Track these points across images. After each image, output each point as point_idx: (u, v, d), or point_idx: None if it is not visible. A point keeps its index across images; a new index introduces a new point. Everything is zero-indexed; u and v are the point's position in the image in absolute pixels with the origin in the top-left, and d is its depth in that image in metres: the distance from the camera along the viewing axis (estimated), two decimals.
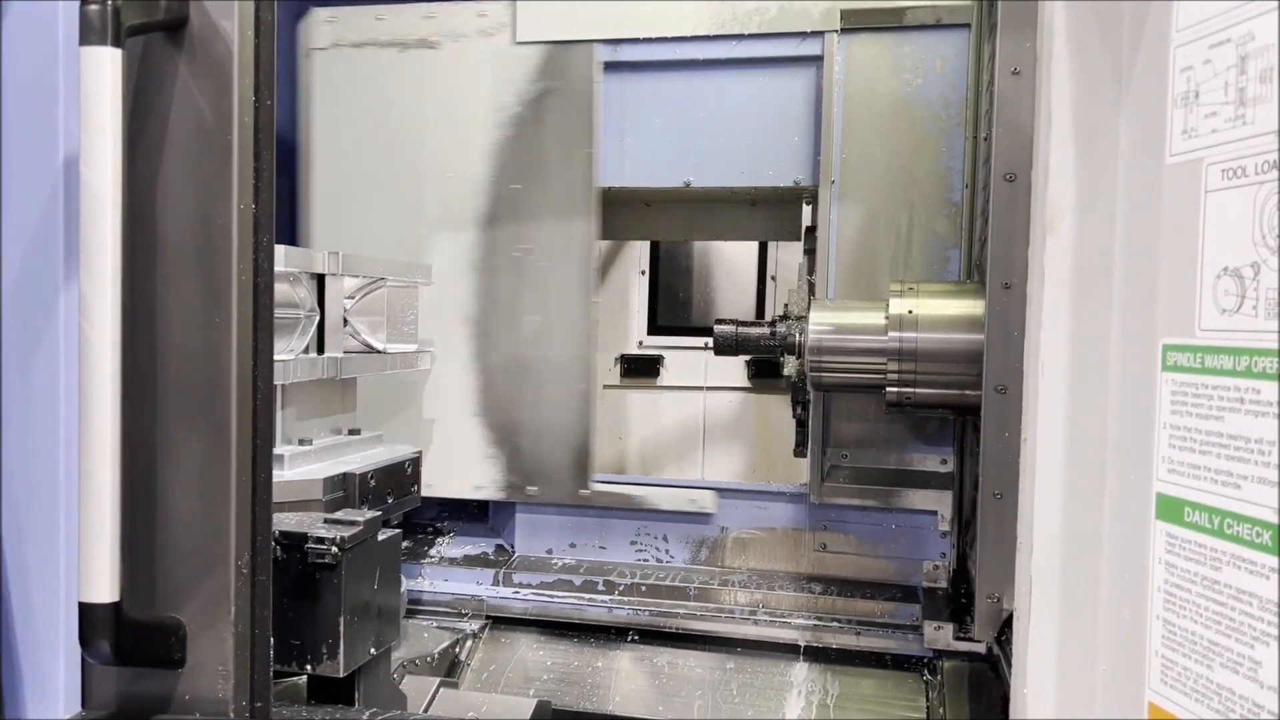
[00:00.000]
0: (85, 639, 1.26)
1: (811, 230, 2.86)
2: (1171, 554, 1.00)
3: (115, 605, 1.25)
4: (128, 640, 1.28)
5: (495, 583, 2.90)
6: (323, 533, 1.88)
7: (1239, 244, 0.91)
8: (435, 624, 2.85)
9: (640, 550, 2.98)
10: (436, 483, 2.99)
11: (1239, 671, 0.91)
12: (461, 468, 3.01)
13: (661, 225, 3.49)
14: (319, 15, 3.08)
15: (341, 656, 1.89)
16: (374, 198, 3.06)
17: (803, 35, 2.75)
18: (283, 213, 3.26)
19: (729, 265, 4.73)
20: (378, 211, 3.07)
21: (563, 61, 2.90)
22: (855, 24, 2.72)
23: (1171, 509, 1.00)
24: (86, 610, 1.25)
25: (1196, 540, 0.97)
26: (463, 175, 2.99)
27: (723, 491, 2.94)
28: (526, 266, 2.96)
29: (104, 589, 1.24)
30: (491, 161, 2.96)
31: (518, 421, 2.98)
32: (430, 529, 3.21)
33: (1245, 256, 0.91)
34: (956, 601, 2.61)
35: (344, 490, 2.26)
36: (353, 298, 2.49)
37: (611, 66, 2.90)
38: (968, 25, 2.65)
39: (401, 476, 2.54)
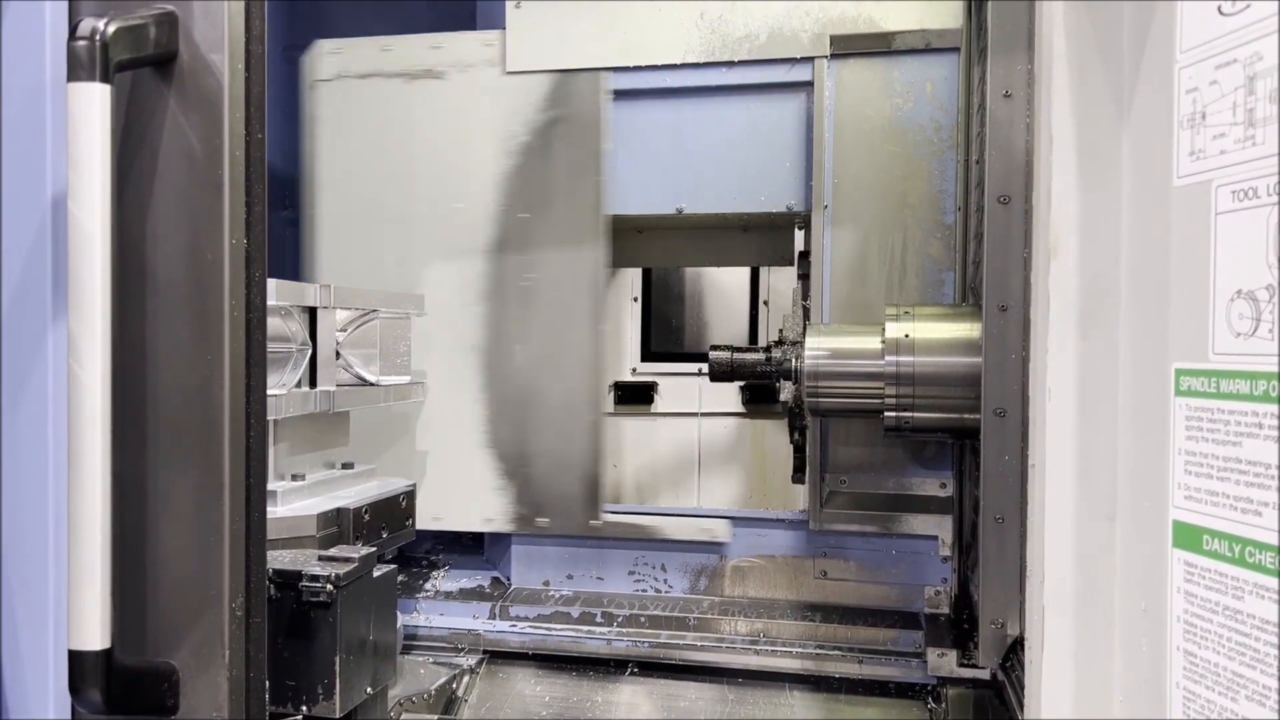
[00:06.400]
0: (75, 688, 1.23)
1: (805, 255, 2.85)
2: (1190, 583, 0.98)
3: (106, 652, 1.22)
4: (119, 688, 1.25)
5: (492, 616, 2.86)
6: (317, 570, 1.85)
7: (1252, 266, 0.90)
8: (431, 659, 2.80)
9: (638, 580, 2.95)
10: (446, 515, 2.98)
11: (1265, 704, 0.88)
12: (471, 500, 2.98)
13: (654, 252, 3.48)
14: (324, 47, 3.07)
15: (338, 696, 1.85)
16: (381, 229, 3.04)
17: (793, 61, 2.75)
18: (288, 245, 3.25)
19: (721, 291, 4.72)
20: (385, 242, 3.04)
21: (570, 89, 2.90)
22: (845, 49, 2.73)
23: (1189, 536, 0.98)
24: (76, 658, 1.22)
25: (1217, 569, 0.94)
26: (472, 205, 2.98)
27: (723, 519, 2.91)
28: (534, 295, 2.94)
29: (94, 636, 1.21)
30: (500, 190, 2.96)
31: (527, 452, 2.95)
32: (425, 562, 3.17)
33: (1260, 279, 0.89)
34: (959, 627, 2.59)
35: (338, 526, 2.23)
36: (345, 330, 2.47)
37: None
38: (957, 49, 2.66)
39: (396, 510, 2.50)
